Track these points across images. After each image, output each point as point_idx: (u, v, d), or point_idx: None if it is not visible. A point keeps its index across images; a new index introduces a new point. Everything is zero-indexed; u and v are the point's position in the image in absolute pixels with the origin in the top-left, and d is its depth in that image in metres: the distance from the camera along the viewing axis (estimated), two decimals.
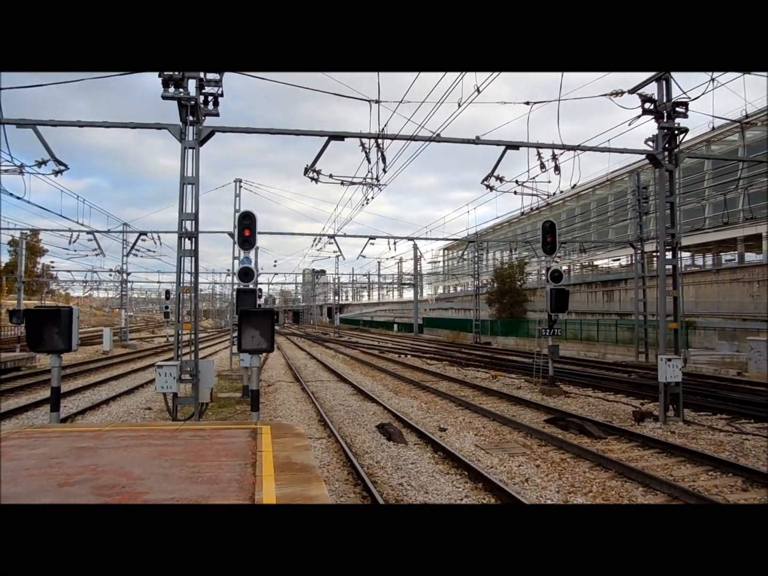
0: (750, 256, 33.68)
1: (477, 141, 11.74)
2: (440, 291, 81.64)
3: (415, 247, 51.35)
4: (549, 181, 13.72)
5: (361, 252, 38.44)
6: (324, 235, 31.36)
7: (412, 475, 7.74)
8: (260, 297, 24.58)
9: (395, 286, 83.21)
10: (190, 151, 9.80)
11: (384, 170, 12.15)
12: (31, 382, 17.32)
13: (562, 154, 12.25)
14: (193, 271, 9.90)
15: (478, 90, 10.41)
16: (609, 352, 28.09)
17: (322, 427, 11.15)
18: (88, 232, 28.30)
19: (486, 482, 7.19)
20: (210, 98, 9.80)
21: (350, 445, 9.31)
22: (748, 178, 23.91)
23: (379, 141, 11.57)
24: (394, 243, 33.10)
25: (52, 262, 56.79)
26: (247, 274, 10.85)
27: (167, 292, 38.80)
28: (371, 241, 31.80)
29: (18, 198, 13.04)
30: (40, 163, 10.93)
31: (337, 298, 70.81)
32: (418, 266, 56.91)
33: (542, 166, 12.36)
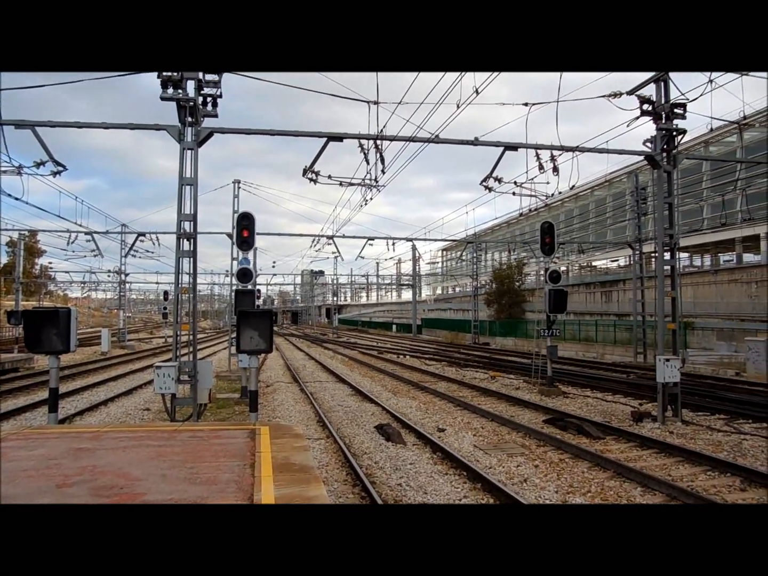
0: (748, 257, 33.76)
1: (476, 142, 11.76)
2: (439, 292, 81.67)
3: (414, 248, 51.39)
4: (547, 182, 13.77)
5: (360, 253, 38.50)
6: (323, 236, 31.36)
7: (410, 475, 7.74)
8: (259, 298, 24.56)
9: (394, 286, 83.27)
10: (189, 152, 9.79)
11: (383, 171, 12.16)
12: (30, 383, 17.29)
13: (560, 155, 12.27)
14: (191, 272, 9.90)
15: (476, 91, 10.42)
16: (607, 353, 28.11)
17: (320, 427, 11.14)
18: (86, 233, 28.29)
19: (485, 482, 7.19)
20: (209, 99, 9.80)
21: (349, 446, 9.31)
22: (746, 179, 23.97)
23: (378, 142, 11.57)
24: (393, 244, 33.15)
25: (50, 262, 56.68)
26: (245, 274, 10.84)
27: (165, 293, 38.79)
28: (370, 242, 31.84)
29: (16, 199, 13.03)
30: (39, 164, 10.92)
31: (335, 298, 70.80)
32: (417, 267, 56.95)
33: (541, 167, 12.37)
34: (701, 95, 11.01)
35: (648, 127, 11.85)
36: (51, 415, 7.93)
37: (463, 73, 9.30)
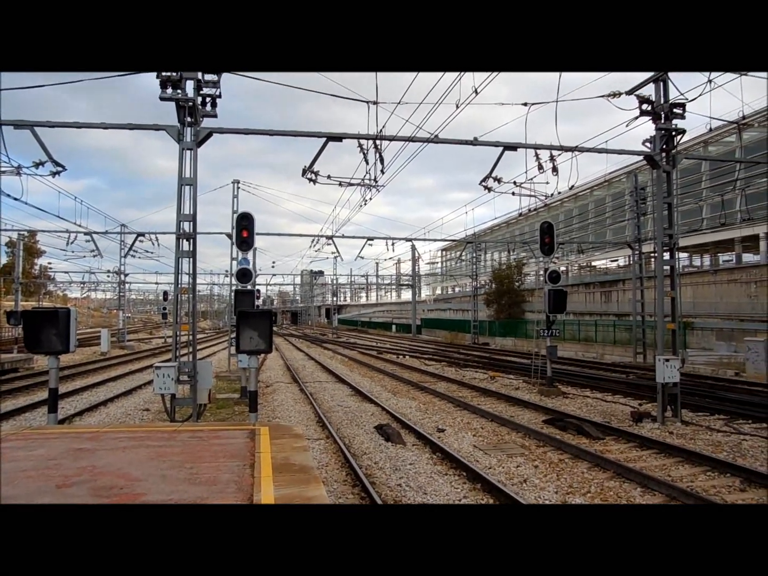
0: (747, 257, 33.78)
1: (475, 142, 11.76)
2: (438, 292, 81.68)
3: (413, 248, 51.37)
4: (547, 182, 13.76)
5: (360, 253, 38.50)
6: (322, 236, 31.35)
7: (410, 475, 7.74)
8: (258, 298, 24.57)
9: (393, 287, 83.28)
10: (188, 152, 9.79)
11: (382, 171, 12.16)
12: (29, 383, 17.28)
13: (560, 155, 12.27)
14: (191, 272, 9.89)
15: (476, 91, 10.43)
16: (607, 353, 28.12)
17: (320, 428, 11.14)
18: (85, 233, 28.28)
19: (484, 483, 7.19)
20: (208, 99, 9.80)
21: (348, 446, 9.31)
22: (745, 179, 23.99)
23: (377, 142, 11.57)
24: (393, 244, 33.15)
25: (49, 263, 56.59)
26: (245, 275, 10.84)
27: (165, 293, 38.78)
28: (369, 242, 31.83)
29: (15, 199, 13.04)
30: (38, 164, 10.92)
31: (335, 298, 70.79)
32: (416, 267, 56.94)
33: (540, 167, 12.38)
34: (700, 95, 11.03)
35: (647, 127, 11.86)
36: (50, 415, 7.93)
37: (463, 73, 9.30)
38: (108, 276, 44.66)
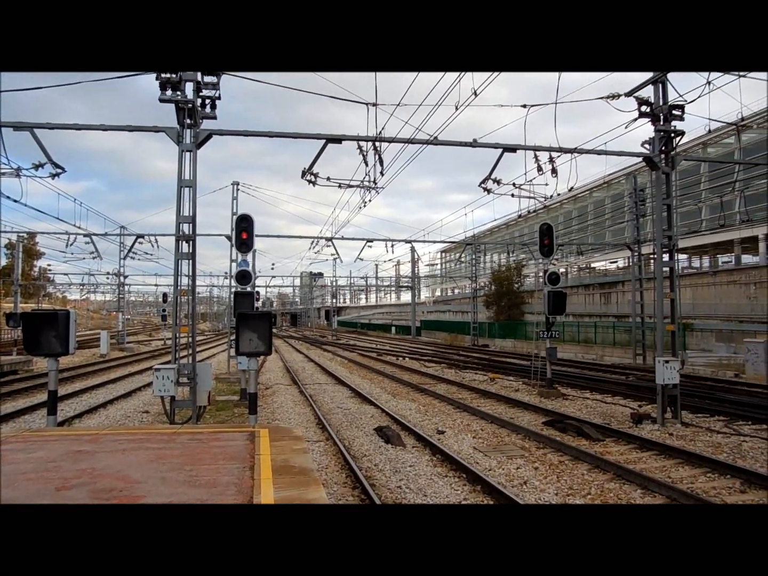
0: (747, 258, 33.81)
1: (474, 144, 11.77)
2: (438, 293, 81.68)
3: (413, 250, 51.34)
4: (546, 184, 13.86)
5: (359, 255, 38.57)
6: (321, 237, 31.36)
7: (410, 477, 7.73)
8: (258, 300, 24.56)
9: (393, 288, 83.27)
10: (188, 154, 9.79)
11: (381, 173, 12.17)
12: (28, 385, 17.26)
13: (559, 156, 12.28)
14: (190, 274, 9.89)
15: (475, 93, 10.44)
16: (607, 354, 28.11)
17: (320, 430, 11.12)
18: (85, 235, 28.29)
19: (484, 485, 7.18)
20: (207, 101, 9.81)
21: (348, 448, 9.30)
22: (744, 181, 24.01)
23: (377, 143, 11.58)
24: (392, 246, 33.14)
25: (49, 265, 56.54)
26: (244, 276, 10.83)
27: (164, 295, 38.73)
28: (369, 243, 31.81)
29: (15, 201, 13.02)
30: (37, 166, 10.91)
31: (334, 300, 70.79)
32: (416, 269, 56.95)
33: (539, 168, 12.39)
34: (699, 97, 11.04)
35: (646, 129, 11.88)
36: (50, 417, 7.92)
37: (462, 73, 9.32)
38: (107, 278, 44.73)
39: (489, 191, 13.66)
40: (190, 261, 9.83)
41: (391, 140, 11.52)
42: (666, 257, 12.03)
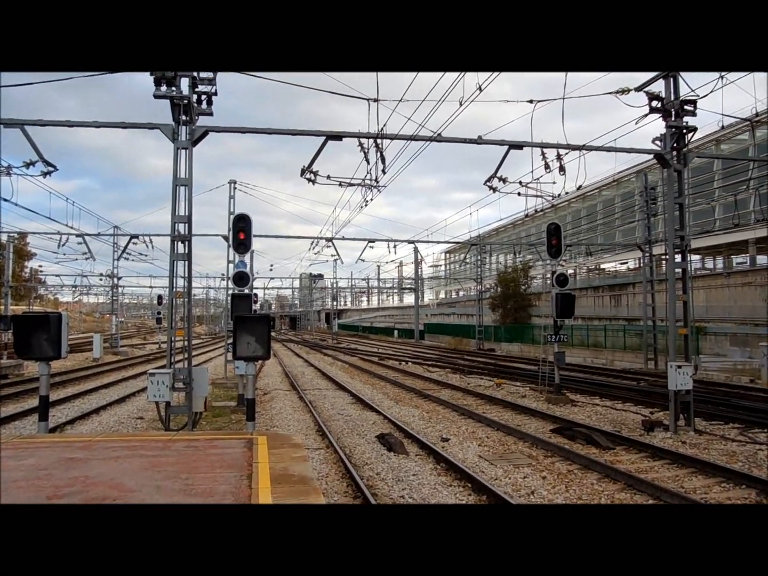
0: (762, 259, 33.72)
1: (479, 141, 11.78)
2: (442, 296, 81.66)
3: (416, 251, 51.39)
4: (554, 182, 13.83)
5: (360, 255, 38.61)
6: (321, 238, 31.41)
7: (413, 487, 7.73)
8: (256, 302, 24.58)
9: (395, 290, 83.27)
10: (183, 151, 9.82)
11: (383, 171, 12.20)
12: (19, 390, 17.30)
13: (567, 153, 12.30)
14: (186, 275, 9.91)
15: (480, 88, 10.46)
16: (617, 359, 28.08)
17: (320, 437, 11.13)
18: (77, 235, 28.40)
19: (490, 494, 7.18)
20: (203, 97, 9.83)
21: (349, 456, 9.30)
22: (759, 179, 23.96)
23: (378, 141, 11.61)
24: (394, 246, 33.18)
25: (40, 266, 56.66)
26: (242, 278, 10.86)
27: (159, 297, 38.79)
28: (370, 244, 31.88)
29: (5, 200, 13.11)
30: (29, 164, 10.97)
31: (335, 303, 70.83)
32: (419, 270, 56.98)
33: (547, 166, 12.41)
34: (712, 92, 11.04)
35: (657, 125, 11.88)
36: (41, 423, 7.93)
37: (465, 72, 9.34)
38: (100, 279, 44.74)
39: (495, 190, 13.69)
40: (186, 262, 9.85)
41: (393, 137, 11.54)
42: (678, 258, 12.02)
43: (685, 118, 11.63)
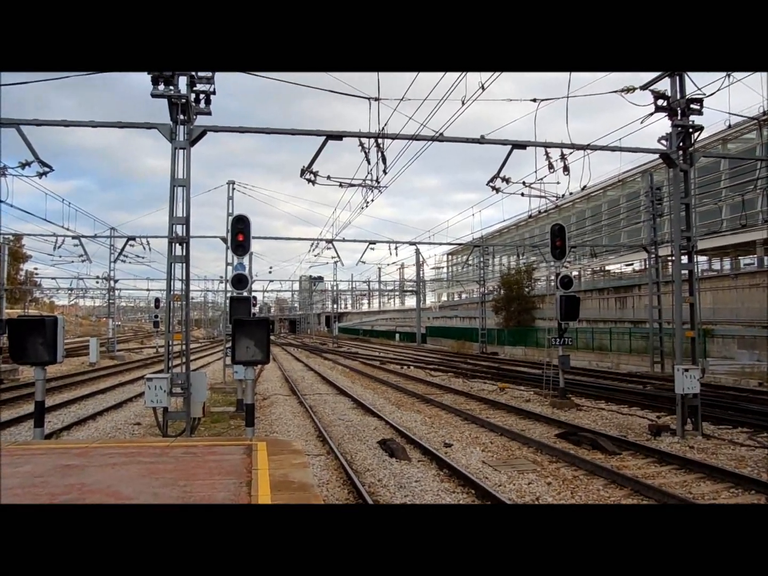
0: None
1: (482, 140, 11.79)
2: (444, 298, 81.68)
3: (418, 252, 51.44)
4: (558, 182, 13.79)
5: (361, 257, 38.39)
6: (321, 239, 31.36)
7: (416, 493, 7.72)
8: (255, 305, 24.59)
9: (397, 293, 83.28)
10: (181, 151, 9.84)
11: (384, 171, 12.20)
12: (14, 395, 17.30)
13: (571, 153, 12.29)
14: (184, 278, 9.92)
15: (482, 87, 10.46)
16: (623, 362, 28.04)
17: (320, 443, 11.12)
18: (73, 237, 28.46)
19: (494, 501, 7.16)
20: (202, 96, 9.85)
21: (350, 462, 9.29)
22: (767, 178, 23.94)
23: (379, 141, 11.62)
24: (396, 248, 33.08)
25: (35, 268, 56.81)
26: (241, 281, 10.88)
27: (157, 300, 38.85)
28: (371, 245, 31.79)
29: (0, 201, 13.10)
30: (24, 165, 10.99)
31: (335, 306, 70.83)
32: (421, 272, 56.98)
33: (550, 166, 12.40)
34: (718, 90, 11.05)
35: (663, 124, 11.86)
36: (37, 429, 7.94)
37: (467, 72, 9.35)
38: (97, 282, 44.79)
39: (497, 190, 13.68)
40: (184, 264, 9.86)
41: (394, 137, 11.55)
42: (685, 259, 12.01)
43: (692, 117, 11.62)
